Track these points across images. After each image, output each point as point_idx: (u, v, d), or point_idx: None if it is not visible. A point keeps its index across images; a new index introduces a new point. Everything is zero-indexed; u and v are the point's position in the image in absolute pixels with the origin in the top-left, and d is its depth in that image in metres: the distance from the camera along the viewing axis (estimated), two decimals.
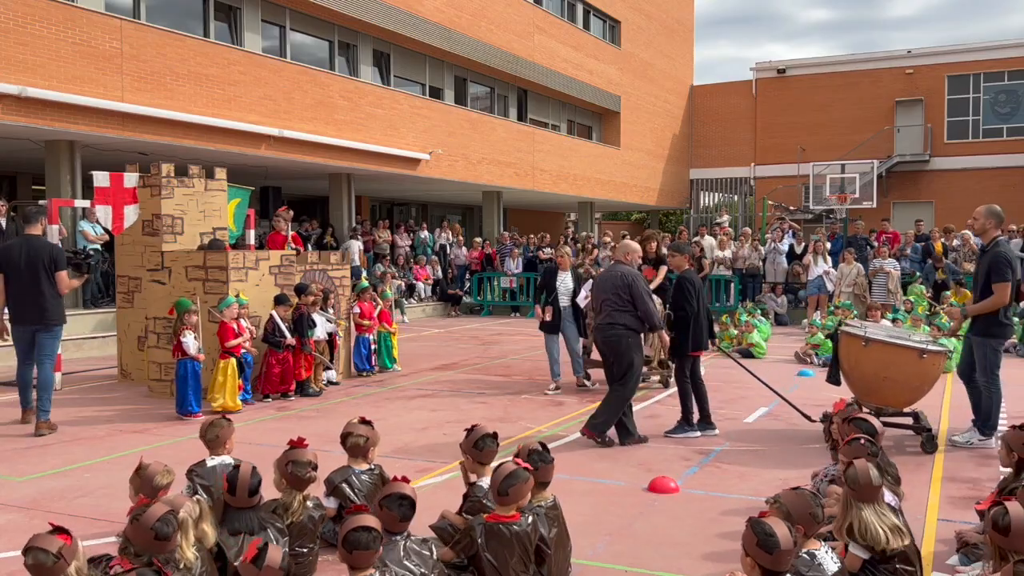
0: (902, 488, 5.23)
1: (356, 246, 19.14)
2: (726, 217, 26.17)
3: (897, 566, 3.98)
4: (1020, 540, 3.57)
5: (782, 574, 3.34)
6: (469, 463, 4.94)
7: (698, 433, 8.02)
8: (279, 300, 10.03)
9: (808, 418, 8.34)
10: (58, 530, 3.30)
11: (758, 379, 8.94)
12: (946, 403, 9.50)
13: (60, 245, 9.08)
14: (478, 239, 24.62)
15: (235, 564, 3.90)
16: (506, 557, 4.04)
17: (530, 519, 4.16)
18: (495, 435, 4.95)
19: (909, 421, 7.68)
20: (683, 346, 7.94)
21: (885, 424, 7.68)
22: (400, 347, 12.89)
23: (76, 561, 3.25)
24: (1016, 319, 12.56)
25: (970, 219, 7.94)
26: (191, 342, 8.97)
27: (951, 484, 6.45)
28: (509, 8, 25.83)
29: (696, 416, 8.10)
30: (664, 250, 10.58)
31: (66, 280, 8.34)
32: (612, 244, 19.14)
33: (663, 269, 11.23)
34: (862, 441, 4.64)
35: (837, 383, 8.09)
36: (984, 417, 7.57)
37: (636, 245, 8.38)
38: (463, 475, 4.97)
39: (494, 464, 4.57)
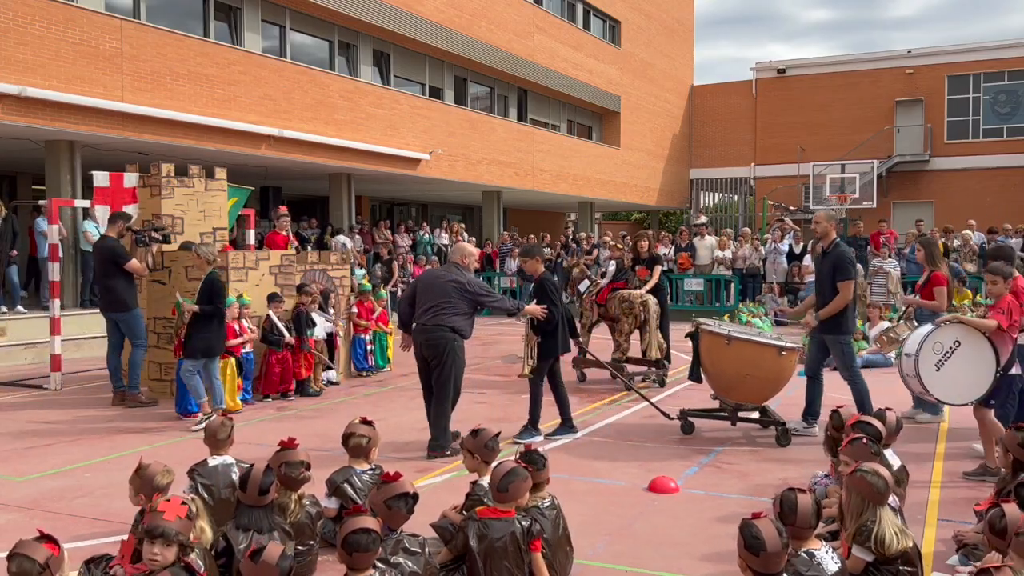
0: (904, 489, 5.23)
1: (345, 241, 19.28)
2: (703, 218, 26.22)
3: (899, 567, 3.98)
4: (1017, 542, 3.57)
5: (774, 575, 3.36)
6: (471, 462, 4.98)
7: (540, 437, 7.78)
8: (271, 298, 10.05)
9: (668, 416, 8.32)
10: (46, 538, 3.23)
11: (619, 376, 8.86)
12: None
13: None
14: (474, 238, 24.63)
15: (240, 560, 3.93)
16: (497, 557, 4.05)
17: (527, 522, 4.17)
18: (498, 435, 4.99)
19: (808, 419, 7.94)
20: (553, 349, 7.74)
21: (742, 420, 7.88)
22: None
23: (60, 573, 3.19)
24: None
25: (812, 223, 8.28)
26: None
27: (951, 484, 6.44)
28: (509, 8, 25.82)
29: (541, 421, 7.93)
30: (663, 249, 10.55)
31: (134, 265, 9.51)
32: (611, 244, 19.16)
33: (657, 269, 11.26)
34: (864, 441, 4.63)
35: (698, 380, 8.25)
36: (859, 406, 7.81)
37: (473, 248, 8.01)
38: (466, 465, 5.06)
39: (494, 463, 4.58)
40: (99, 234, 14.66)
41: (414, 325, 7.42)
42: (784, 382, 7.80)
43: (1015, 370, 6.74)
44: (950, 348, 6.78)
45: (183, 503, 3.66)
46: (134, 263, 9.57)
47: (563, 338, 7.80)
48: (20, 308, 13.93)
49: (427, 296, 7.38)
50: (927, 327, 7.19)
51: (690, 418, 8.12)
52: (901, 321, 9.68)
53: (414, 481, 6.29)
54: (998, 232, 20.10)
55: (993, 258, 7.35)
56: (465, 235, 24.33)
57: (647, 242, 11.54)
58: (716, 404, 8.31)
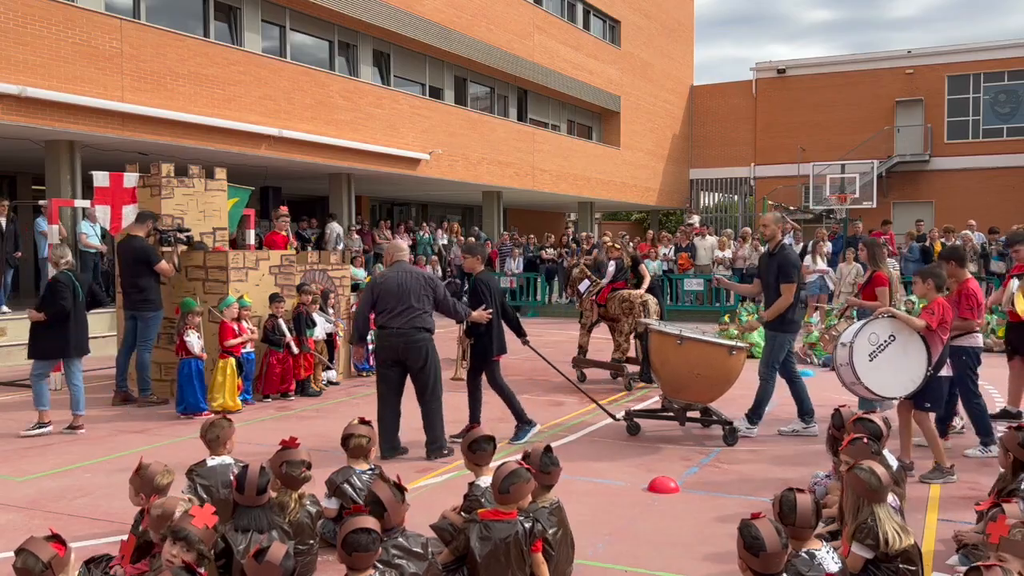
0: (903, 488, 5.23)
1: (339, 231, 19.31)
2: (696, 218, 26.22)
3: (900, 565, 3.98)
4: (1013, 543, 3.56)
5: (774, 575, 3.36)
6: (466, 463, 5.00)
7: (536, 426, 7.92)
8: (273, 299, 10.06)
9: (613, 417, 8.33)
10: (55, 538, 3.25)
11: (564, 375, 8.84)
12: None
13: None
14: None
15: (243, 561, 3.92)
16: (499, 559, 4.05)
17: (529, 523, 4.17)
18: (491, 438, 4.98)
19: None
20: (487, 351, 7.66)
21: (689, 419, 7.93)
22: None
23: (63, 574, 3.20)
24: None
25: (760, 225, 8.40)
26: (195, 341, 9.01)
27: (951, 484, 6.44)
28: (509, 8, 25.82)
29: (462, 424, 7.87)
30: (664, 249, 10.61)
31: (163, 267, 9.57)
32: (608, 244, 19.15)
33: (642, 267, 11.45)
34: (864, 440, 4.64)
35: (649, 381, 8.25)
36: (755, 405, 8.04)
37: (404, 244, 7.88)
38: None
39: (495, 464, 4.58)
40: (95, 235, 14.74)
41: (384, 330, 7.21)
42: (733, 382, 7.85)
43: (945, 371, 6.84)
44: (885, 341, 6.82)
45: (214, 512, 3.67)
46: (163, 264, 9.60)
47: (499, 339, 7.69)
48: (4, 308, 13.83)
49: (398, 299, 7.18)
50: (864, 319, 7.28)
51: (636, 419, 8.14)
52: (843, 320, 9.72)
53: (414, 481, 6.30)
54: (999, 232, 20.10)
55: (946, 258, 7.50)
56: (463, 235, 24.38)
57: (619, 250, 11.76)
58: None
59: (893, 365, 6.75)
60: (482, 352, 7.68)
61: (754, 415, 8.07)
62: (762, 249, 20.13)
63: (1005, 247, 15.00)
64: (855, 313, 9.25)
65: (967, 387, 7.19)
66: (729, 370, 7.71)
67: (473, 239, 22.37)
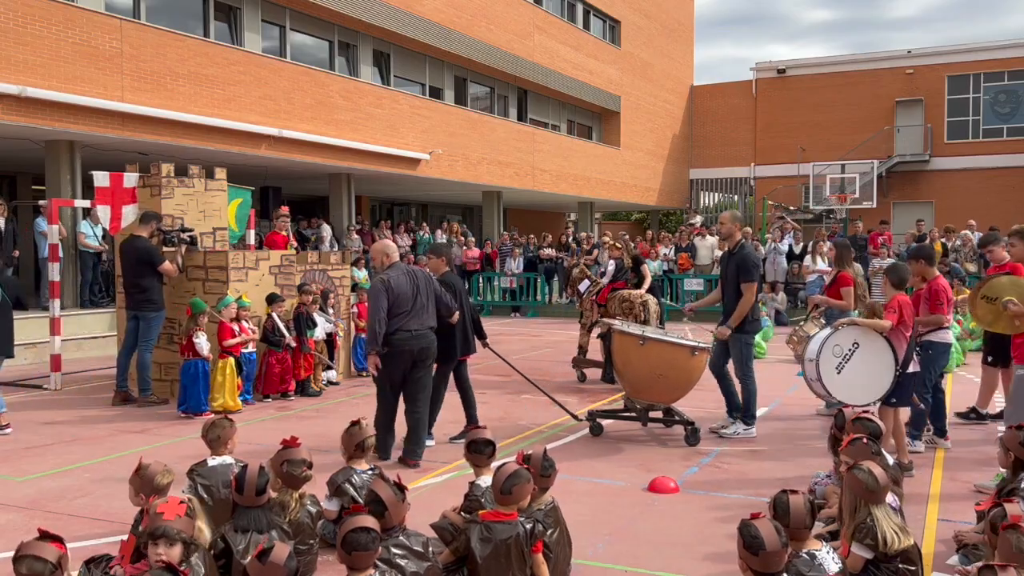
0: (902, 488, 5.23)
1: (327, 231, 19.31)
2: (698, 218, 26.22)
3: (899, 565, 3.98)
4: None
5: (774, 575, 3.36)
6: (469, 464, 5.02)
7: (433, 441, 7.55)
8: (272, 299, 10.06)
9: (575, 417, 8.32)
10: (49, 536, 3.19)
11: (525, 377, 8.83)
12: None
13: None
14: (472, 239, 24.63)
15: (242, 561, 3.93)
16: (499, 560, 4.05)
17: (530, 524, 4.17)
18: (489, 442, 4.96)
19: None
20: (451, 351, 7.52)
21: (652, 420, 7.94)
22: None
23: (67, 571, 3.18)
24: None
25: (717, 225, 8.22)
26: (203, 343, 9.01)
27: (951, 484, 6.45)
28: (509, 8, 25.82)
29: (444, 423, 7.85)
30: (664, 249, 10.59)
31: (167, 267, 9.57)
32: (609, 244, 19.15)
33: (645, 267, 11.45)
34: (864, 441, 4.64)
35: (612, 382, 8.25)
36: (745, 407, 8.02)
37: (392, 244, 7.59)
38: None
39: (495, 464, 4.58)
40: (93, 235, 14.75)
41: (401, 333, 6.90)
42: (695, 382, 7.87)
43: (913, 367, 6.88)
44: (849, 350, 6.88)
45: (181, 502, 3.66)
46: (167, 264, 9.61)
47: (463, 340, 7.63)
48: None
49: (413, 301, 6.98)
50: (826, 331, 7.31)
51: (599, 419, 8.14)
52: (810, 320, 9.76)
53: (414, 481, 6.30)
54: (998, 232, 20.10)
55: (914, 257, 7.58)
56: (463, 235, 24.38)
57: (620, 249, 11.75)
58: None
59: (861, 373, 6.83)
60: (449, 353, 7.58)
61: (747, 416, 8.06)
62: (762, 249, 20.34)
63: (979, 247, 14.98)
64: (826, 313, 9.29)
65: (924, 381, 7.22)
66: (691, 371, 7.71)
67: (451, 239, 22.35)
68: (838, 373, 6.90)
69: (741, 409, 8.05)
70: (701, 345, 7.74)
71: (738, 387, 8.10)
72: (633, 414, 8.03)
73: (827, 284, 9.25)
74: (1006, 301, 6.48)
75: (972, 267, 18.64)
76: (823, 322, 8.91)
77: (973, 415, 8.65)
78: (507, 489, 4.11)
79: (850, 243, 18.82)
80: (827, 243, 18.96)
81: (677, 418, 7.95)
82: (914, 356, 6.88)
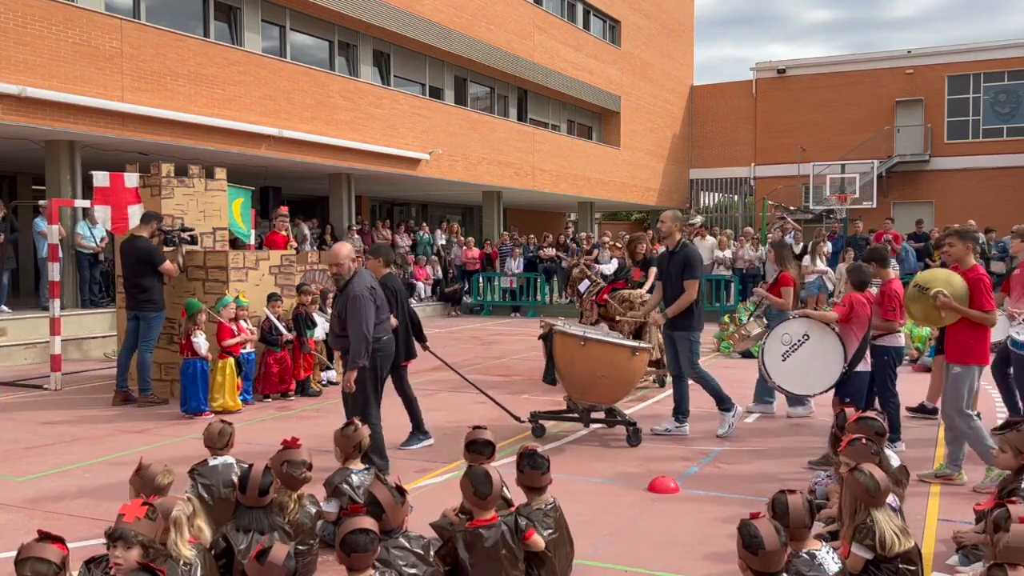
0: (903, 488, 5.23)
1: (306, 233, 19.45)
2: (699, 218, 26.20)
3: (900, 566, 3.98)
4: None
5: (773, 575, 3.36)
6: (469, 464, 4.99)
7: (430, 440, 7.65)
8: (269, 299, 10.06)
9: (518, 419, 8.23)
10: (50, 537, 3.17)
11: (467, 380, 8.82)
12: None
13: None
14: (471, 238, 24.62)
15: (243, 561, 3.93)
16: (491, 562, 4.05)
17: (511, 519, 4.17)
18: (489, 443, 4.95)
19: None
20: (395, 356, 7.32)
21: (594, 421, 7.96)
22: None
23: (70, 571, 3.17)
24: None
25: (658, 223, 8.41)
26: (202, 342, 9.01)
27: (952, 484, 6.44)
28: (509, 8, 25.82)
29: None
30: (663, 249, 10.52)
31: (168, 267, 9.60)
32: (610, 244, 19.16)
33: (652, 271, 11.28)
34: (864, 441, 4.63)
35: (553, 383, 8.26)
36: (716, 401, 8.05)
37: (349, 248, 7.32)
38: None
39: (493, 464, 4.58)
40: (90, 235, 14.74)
41: (385, 339, 6.84)
42: (635, 382, 7.86)
43: (863, 367, 6.91)
44: (799, 341, 6.96)
45: (143, 504, 3.58)
46: (168, 265, 9.63)
47: (406, 345, 7.51)
48: (4, 308, 13.86)
49: (393, 305, 7.12)
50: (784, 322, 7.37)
51: (541, 420, 8.10)
52: (752, 318, 9.79)
53: (414, 481, 6.30)
54: (995, 231, 20.12)
55: (868, 259, 7.60)
56: (463, 235, 24.37)
57: (645, 245, 11.58)
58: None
59: (807, 363, 6.92)
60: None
61: (721, 407, 8.04)
62: (763, 249, 20.33)
63: (939, 240, 14.88)
64: (767, 312, 9.28)
65: (885, 385, 7.23)
66: (632, 371, 7.74)
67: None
68: (783, 360, 7.02)
69: (706, 405, 8.08)
70: (641, 345, 7.81)
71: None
72: (576, 415, 8.00)
73: (769, 283, 9.33)
74: (935, 292, 6.37)
75: None
76: (765, 322, 8.94)
77: (919, 411, 8.75)
78: (483, 494, 4.12)
79: (850, 243, 18.81)
80: (827, 244, 18.99)
81: (619, 419, 7.94)
82: (865, 356, 6.93)
